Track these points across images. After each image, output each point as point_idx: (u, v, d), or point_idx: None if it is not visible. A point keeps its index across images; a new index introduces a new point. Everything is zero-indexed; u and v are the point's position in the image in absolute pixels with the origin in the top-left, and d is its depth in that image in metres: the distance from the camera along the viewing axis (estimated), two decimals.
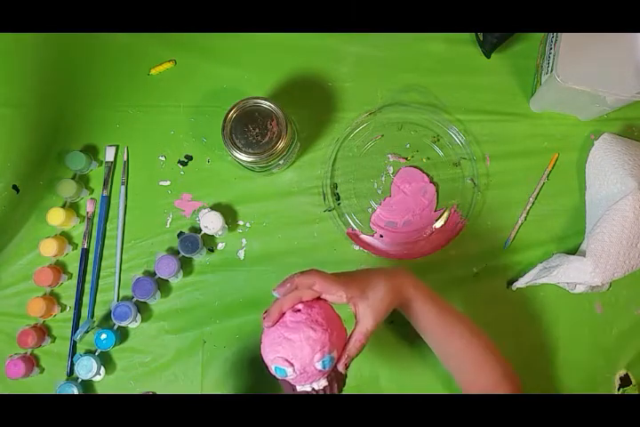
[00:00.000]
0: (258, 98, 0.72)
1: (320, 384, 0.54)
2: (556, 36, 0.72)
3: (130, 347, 0.77)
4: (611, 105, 0.73)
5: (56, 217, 0.77)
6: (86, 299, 0.78)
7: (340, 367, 0.54)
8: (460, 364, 0.62)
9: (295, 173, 0.80)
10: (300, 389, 0.54)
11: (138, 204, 0.80)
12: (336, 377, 0.55)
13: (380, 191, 0.79)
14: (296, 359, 0.52)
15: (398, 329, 0.75)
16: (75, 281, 0.78)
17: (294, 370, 0.52)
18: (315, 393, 0.54)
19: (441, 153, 0.79)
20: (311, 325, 0.53)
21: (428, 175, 0.79)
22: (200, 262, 0.78)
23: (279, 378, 0.54)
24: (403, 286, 0.59)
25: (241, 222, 0.79)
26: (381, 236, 0.78)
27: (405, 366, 0.75)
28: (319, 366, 0.52)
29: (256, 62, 0.82)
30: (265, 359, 0.54)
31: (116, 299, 0.77)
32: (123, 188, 0.79)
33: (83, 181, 0.80)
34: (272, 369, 0.53)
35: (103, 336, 0.75)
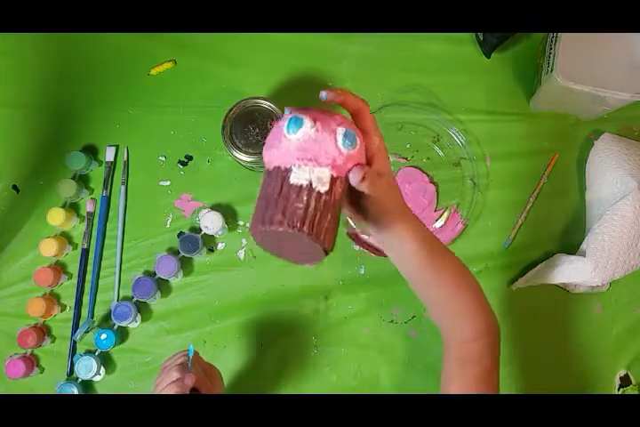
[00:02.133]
0: (258, 98, 0.72)
1: (322, 176, 0.42)
2: (556, 36, 0.72)
3: (130, 347, 0.77)
4: (610, 105, 0.73)
5: (56, 217, 0.77)
6: (86, 299, 0.78)
7: (356, 176, 0.43)
8: (447, 312, 0.55)
9: None
10: (294, 176, 0.41)
11: (138, 204, 0.79)
12: (338, 193, 0.43)
13: None
14: (317, 118, 0.43)
15: (398, 329, 0.75)
16: (75, 281, 0.78)
17: (313, 125, 0.42)
18: (307, 190, 0.41)
19: (441, 153, 0.79)
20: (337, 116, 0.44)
21: (427, 175, 0.79)
22: (200, 262, 0.78)
23: (283, 139, 0.42)
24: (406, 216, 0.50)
25: (241, 222, 0.79)
26: None
27: (405, 365, 0.75)
28: (339, 139, 0.42)
29: (256, 62, 0.82)
30: (278, 121, 0.45)
31: (116, 299, 0.77)
32: (123, 188, 0.79)
33: (83, 181, 0.80)
34: (285, 122, 0.43)
35: (103, 336, 0.75)
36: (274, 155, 0.43)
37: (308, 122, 0.42)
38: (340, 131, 0.42)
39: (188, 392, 0.56)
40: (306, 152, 0.42)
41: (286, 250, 0.44)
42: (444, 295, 0.53)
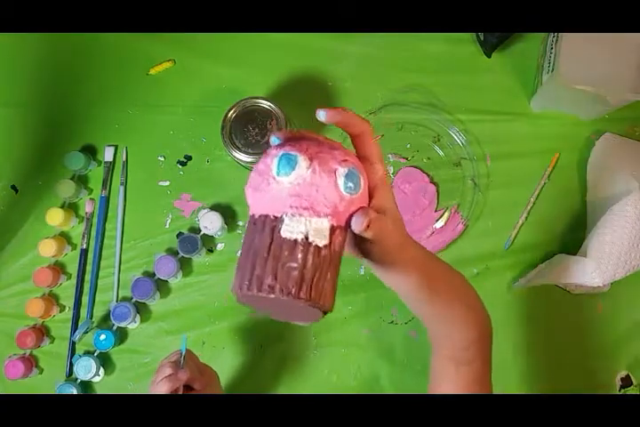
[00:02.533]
0: (257, 98, 0.72)
1: (321, 227, 0.35)
2: (557, 36, 0.71)
3: (129, 348, 0.76)
4: (612, 105, 0.72)
5: (55, 217, 0.76)
6: (85, 299, 0.77)
7: (359, 224, 0.36)
8: (440, 323, 0.53)
9: None
10: (287, 229, 0.34)
11: (137, 204, 0.79)
12: (339, 244, 0.36)
13: None
14: (314, 156, 0.35)
15: (398, 330, 0.75)
16: (74, 281, 0.78)
17: (309, 165, 0.35)
18: (302, 245, 0.34)
19: (441, 153, 0.79)
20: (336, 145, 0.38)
21: (428, 175, 0.79)
22: (199, 263, 0.78)
23: (272, 181, 0.35)
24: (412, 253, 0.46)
25: (240, 223, 0.79)
26: None
27: (405, 366, 0.75)
28: (341, 182, 0.35)
29: (256, 62, 0.82)
30: (265, 156, 0.37)
31: (115, 299, 0.77)
32: (122, 188, 0.79)
33: (82, 181, 0.80)
34: (275, 161, 0.35)
35: (102, 337, 0.74)
36: (261, 200, 0.36)
37: (302, 161, 0.35)
38: (342, 171, 0.35)
39: (181, 387, 0.56)
40: (300, 199, 0.35)
41: (277, 311, 0.38)
42: (438, 313, 0.51)
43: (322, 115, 0.39)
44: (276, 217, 0.35)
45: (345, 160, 0.36)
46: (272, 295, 0.33)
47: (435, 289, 0.48)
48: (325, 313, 0.36)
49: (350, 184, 0.35)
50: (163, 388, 0.56)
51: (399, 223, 0.43)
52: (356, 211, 0.37)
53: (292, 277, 0.34)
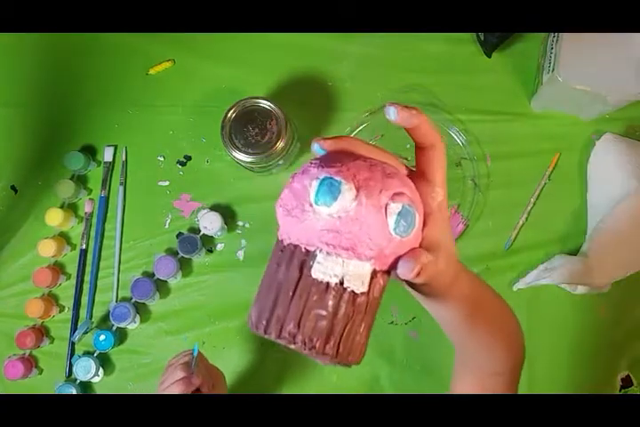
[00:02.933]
0: (257, 98, 0.72)
1: (361, 273, 0.29)
2: (558, 36, 0.71)
3: (128, 348, 0.76)
4: (612, 105, 0.72)
5: (54, 217, 0.76)
6: (85, 300, 0.77)
7: (408, 271, 0.30)
8: (473, 353, 0.52)
9: None
10: (319, 269, 0.29)
11: (136, 204, 0.79)
12: (378, 290, 0.31)
13: None
14: (362, 184, 0.29)
15: (398, 330, 0.75)
16: (73, 282, 0.78)
17: (355, 197, 0.28)
18: (335, 291, 0.29)
19: None
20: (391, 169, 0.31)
21: None
22: (199, 263, 0.78)
23: (309, 208, 0.29)
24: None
25: (240, 223, 0.79)
26: None
27: (405, 366, 0.75)
28: (392, 222, 0.29)
29: (256, 62, 0.82)
30: (303, 173, 0.30)
31: (114, 300, 0.77)
32: (121, 188, 0.79)
33: (81, 181, 0.80)
34: (313, 184, 0.29)
35: (102, 337, 0.74)
36: (292, 226, 0.30)
37: (347, 190, 0.28)
38: (394, 208, 0.29)
39: (191, 392, 0.56)
40: (340, 236, 0.28)
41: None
42: (476, 343, 0.48)
43: (392, 112, 0.32)
44: (308, 251, 0.29)
45: (399, 194, 0.29)
46: (292, 346, 0.29)
47: (477, 320, 0.44)
48: (350, 365, 0.31)
49: (403, 224, 0.29)
50: (174, 390, 0.56)
51: (452, 258, 0.36)
52: (406, 253, 0.31)
53: (319, 327, 0.29)
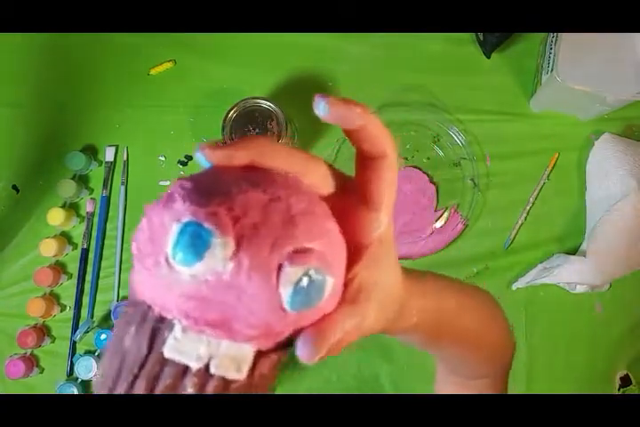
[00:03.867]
0: (258, 98, 0.72)
1: (236, 355, 0.21)
2: (557, 36, 0.72)
3: None
4: (611, 105, 0.73)
5: (56, 217, 0.77)
6: (86, 299, 0.78)
7: (308, 353, 0.22)
8: (447, 363, 0.51)
9: None
10: (173, 347, 0.21)
11: (138, 204, 0.79)
12: (269, 367, 0.23)
13: None
14: (247, 234, 0.20)
15: None
16: (74, 281, 0.78)
17: (232, 255, 0.20)
18: (197, 377, 0.21)
19: (441, 153, 0.79)
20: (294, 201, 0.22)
21: (427, 175, 0.79)
22: None
23: (163, 263, 0.21)
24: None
25: None
26: None
27: (405, 365, 0.75)
28: (286, 295, 0.20)
29: (256, 62, 0.82)
30: (164, 205, 0.21)
31: (115, 299, 0.77)
32: (122, 188, 0.79)
33: (82, 181, 0.80)
34: (172, 230, 0.20)
35: (103, 336, 0.75)
36: (144, 279, 0.22)
37: (221, 245, 0.19)
38: (292, 274, 0.20)
39: None
40: (207, 307, 0.20)
41: None
42: (448, 356, 0.46)
43: (322, 107, 0.24)
44: (162, 318, 0.21)
45: (303, 252, 0.20)
46: None
47: (444, 339, 0.38)
48: None
49: (303, 299, 0.20)
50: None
51: (395, 297, 0.28)
52: (308, 328, 0.22)
53: None
